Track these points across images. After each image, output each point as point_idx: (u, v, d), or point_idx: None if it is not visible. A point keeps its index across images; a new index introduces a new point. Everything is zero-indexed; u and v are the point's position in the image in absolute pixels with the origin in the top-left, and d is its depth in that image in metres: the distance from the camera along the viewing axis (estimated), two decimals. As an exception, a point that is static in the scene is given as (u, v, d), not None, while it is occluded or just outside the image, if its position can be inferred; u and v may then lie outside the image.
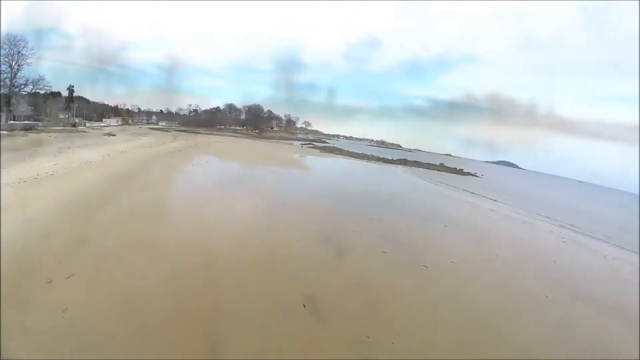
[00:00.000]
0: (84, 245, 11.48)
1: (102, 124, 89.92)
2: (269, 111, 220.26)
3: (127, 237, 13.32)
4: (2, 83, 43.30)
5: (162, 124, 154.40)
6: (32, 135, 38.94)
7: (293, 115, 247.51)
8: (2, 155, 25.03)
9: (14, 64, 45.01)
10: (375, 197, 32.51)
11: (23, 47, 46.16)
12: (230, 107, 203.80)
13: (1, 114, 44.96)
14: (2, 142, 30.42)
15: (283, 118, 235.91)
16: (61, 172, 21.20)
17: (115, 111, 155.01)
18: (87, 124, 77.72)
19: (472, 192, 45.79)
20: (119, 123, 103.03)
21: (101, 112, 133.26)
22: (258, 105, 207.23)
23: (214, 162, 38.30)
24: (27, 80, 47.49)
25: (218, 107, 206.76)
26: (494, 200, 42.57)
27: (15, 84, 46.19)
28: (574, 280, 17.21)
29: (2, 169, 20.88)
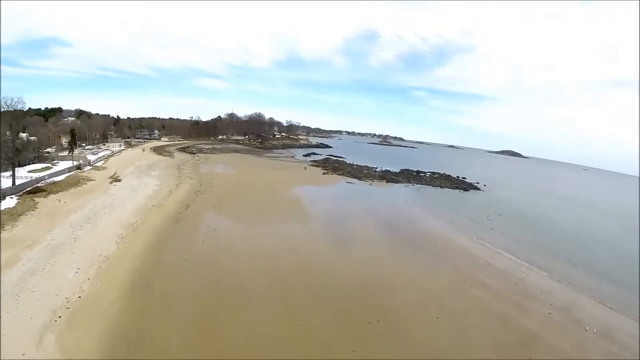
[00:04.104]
0: None
1: (106, 152, 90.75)
2: (271, 118, 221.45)
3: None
4: (2, 146, 43.75)
5: (164, 139, 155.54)
6: (42, 203, 39.77)
7: (294, 121, 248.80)
8: (23, 260, 26.01)
9: (13, 124, 45.60)
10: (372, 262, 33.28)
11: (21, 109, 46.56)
12: (232, 116, 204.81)
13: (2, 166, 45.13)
14: (17, 229, 31.40)
15: (284, 123, 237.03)
16: (85, 295, 21.81)
17: (116, 123, 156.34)
18: (91, 157, 78.47)
19: (474, 239, 46.30)
20: (122, 147, 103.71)
21: (103, 129, 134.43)
22: (259, 113, 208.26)
23: (221, 227, 38.97)
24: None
25: (219, 116, 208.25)
26: (490, 247, 43.11)
27: (18, 146, 46.61)
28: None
29: (29, 295, 21.91)
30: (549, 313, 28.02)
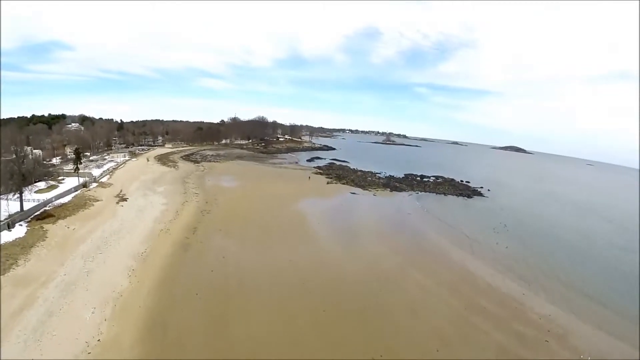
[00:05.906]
0: None
1: (111, 163, 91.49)
2: (274, 121, 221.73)
3: None
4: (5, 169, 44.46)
5: (168, 145, 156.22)
6: (51, 231, 40.45)
7: (297, 122, 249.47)
8: (39, 300, 26.67)
9: (19, 150, 46.32)
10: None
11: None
12: (235, 120, 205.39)
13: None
14: (30, 264, 32.08)
15: (287, 125, 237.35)
16: (104, 338, 22.51)
17: (120, 129, 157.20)
18: (96, 171, 79.22)
19: (476, 257, 46.67)
20: (126, 157, 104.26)
21: (107, 135, 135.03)
22: (262, 117, 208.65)
23: (228, 253, 39.28)
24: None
25: (223, 120, 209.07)
26: (492, 266, 43.38)
27: (25, 173, 47.24)
28: None
29: (50, 339, 22.36)
30: (546, 340, 28.46)
